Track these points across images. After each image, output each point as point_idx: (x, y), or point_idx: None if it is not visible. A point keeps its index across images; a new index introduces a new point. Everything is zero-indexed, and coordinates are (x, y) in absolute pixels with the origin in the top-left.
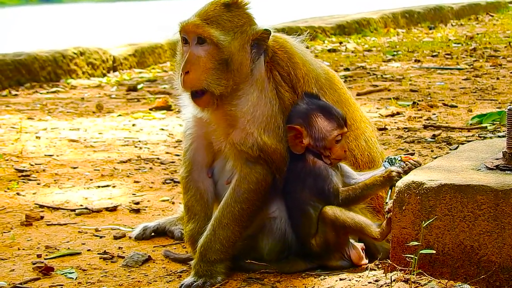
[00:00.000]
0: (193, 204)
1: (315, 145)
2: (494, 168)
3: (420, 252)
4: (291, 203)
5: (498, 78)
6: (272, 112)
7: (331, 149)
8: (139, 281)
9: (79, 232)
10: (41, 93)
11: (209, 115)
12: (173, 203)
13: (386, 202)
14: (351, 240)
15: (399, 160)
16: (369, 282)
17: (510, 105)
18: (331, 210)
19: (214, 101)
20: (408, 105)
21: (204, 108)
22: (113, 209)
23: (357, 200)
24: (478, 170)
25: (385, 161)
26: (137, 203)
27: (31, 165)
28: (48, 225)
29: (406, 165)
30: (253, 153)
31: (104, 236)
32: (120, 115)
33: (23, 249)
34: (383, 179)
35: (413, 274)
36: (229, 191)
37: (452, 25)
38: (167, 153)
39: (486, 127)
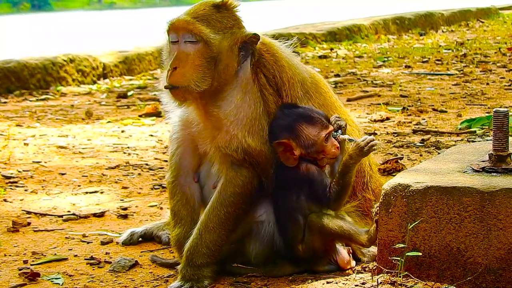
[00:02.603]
0: (179, 209)
1: (307, 153)
2: (480, 170)
3: (407, 254)
4: (282, 210)
5: (487, 84)
6: (256, 114)
7: (324, 151)
8: (125, 286)
9: (66, 238)
10: (30, 101)
11: (195, 116)
12: (161, 208)
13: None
14: (338, 245)
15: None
16: (356, 285)
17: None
18: (318, 218)
19: (191, 97)
20: (398, 111)
21: (181, 101)
22: (100, 215)
23: (345, 190)
24: (464, 172)
25: None
26: (125, 209)
27: (19, 171)
28: (35, 231)
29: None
30: (238, 156)
31: (91, 242)
32: (109, 121)
33: (10, 255)
34: (354, 152)
35: (400, 277)
36: (215, 194)
37: (442, 31)
38: (155, 159)
39: (475, 131)
